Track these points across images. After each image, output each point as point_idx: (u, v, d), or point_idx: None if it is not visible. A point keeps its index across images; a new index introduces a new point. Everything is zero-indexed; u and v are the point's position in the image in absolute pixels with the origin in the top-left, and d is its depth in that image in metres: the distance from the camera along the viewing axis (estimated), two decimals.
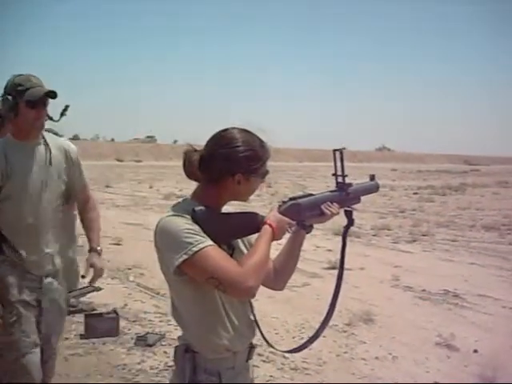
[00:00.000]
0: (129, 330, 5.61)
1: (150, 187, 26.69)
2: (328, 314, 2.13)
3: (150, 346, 5.06)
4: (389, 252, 10.92)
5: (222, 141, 1.86)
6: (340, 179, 2.12)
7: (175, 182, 28.68)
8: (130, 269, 8.54)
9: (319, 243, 10.92)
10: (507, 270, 9.44)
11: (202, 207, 1.80)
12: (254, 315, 2.05)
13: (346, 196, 2.12)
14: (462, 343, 5.60)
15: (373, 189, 2.33)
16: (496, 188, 31.93)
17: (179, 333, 1.99)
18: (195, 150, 1.91)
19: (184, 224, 1.75)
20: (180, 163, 1.91)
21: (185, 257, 1.71)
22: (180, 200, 1.93)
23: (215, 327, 1.85)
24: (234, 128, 1.90)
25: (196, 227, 1.75)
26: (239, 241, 1.97)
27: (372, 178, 2.35)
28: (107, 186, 25.92)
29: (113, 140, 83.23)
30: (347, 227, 2.15)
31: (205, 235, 1.75)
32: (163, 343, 5.19)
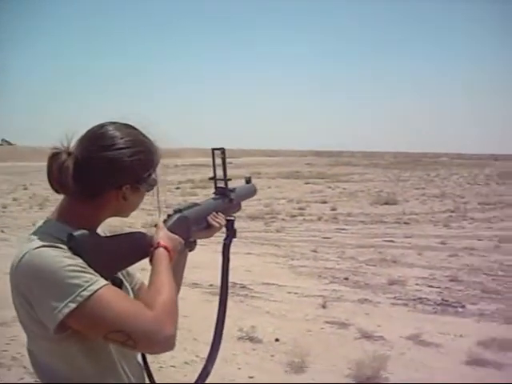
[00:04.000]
0: None
1: None
2: (214, 343, 1.79)
3: None
4: None
5: (100, 141, 1.38)
6: (220, 184, 1.81)
7: None
8: None
9: None
10: (282, 256, 10.00)
11: (82, 231, 1.32)
12: (146, 361, 1.62)
13: (229, 203, 1.81)
14: (262, 334, 5.68)
15: (252, 193, 2.04)
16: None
17: None
18: (68, 154, 1.36)
19: (63, 258, 1.26)
20: None
21: (72, 306, 1.22)
22: (40, 223, 1.40)
23: None
24: (113, 123, 1.44)
25: (79, 260, 1.28)
26: None
27: (248, 180, 2.04)
28: None
29: None
30: (230, 239, 1.80)
31: (92, 270, 1.28)
32: None
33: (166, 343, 1.27)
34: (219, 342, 1.77)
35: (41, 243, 1.29)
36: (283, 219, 15.21)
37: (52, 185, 1.37)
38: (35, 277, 1.25)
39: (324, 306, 6.69)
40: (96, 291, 1.24)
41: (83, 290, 1.23)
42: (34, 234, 1.34)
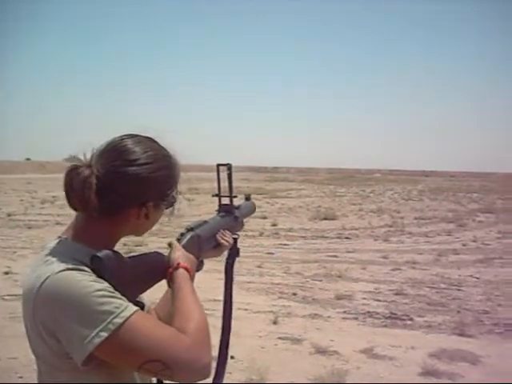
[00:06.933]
0: None
1: None
2: (219, 365, 1.64)
3: None
4: None
5: (123, 155, 1.28)
6: (225, 200, 1.74)
7: None
8: None
9: None
10: None
11: (106, 251, 1.22)
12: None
13: (235, 221, 1.74)
14: (217, 351, 5.56)
15: (252, 210, 1.98)
16: (189, 194, 33.75)
17: None
18: (90, 168, 1.25)
19: (90, 282, 1.15)
20: None
21: (103, 335, 1.10)
22: (53, 243, 1.28)
23: None
24: (134, 136, 1.34)
25: (106, 284, 1.17)
26: None
27: (248, 197, 1.98)
28: None
29: None
30: (233, 258, 1.73)
31: (120, 295, 1.17)
32: None
33: (204, 371, 1.18)
34: (225, 364, 1.67)
35: (64, 266, 1.17)
36: None
37: (70, 201, 1.26)
38: (61, 304, 1.14)
39: (275, 322, 6.68)
40: (128, 318, 1.13)
41: (115, 317, 1.12)
42: (50, 255, 1.22)
